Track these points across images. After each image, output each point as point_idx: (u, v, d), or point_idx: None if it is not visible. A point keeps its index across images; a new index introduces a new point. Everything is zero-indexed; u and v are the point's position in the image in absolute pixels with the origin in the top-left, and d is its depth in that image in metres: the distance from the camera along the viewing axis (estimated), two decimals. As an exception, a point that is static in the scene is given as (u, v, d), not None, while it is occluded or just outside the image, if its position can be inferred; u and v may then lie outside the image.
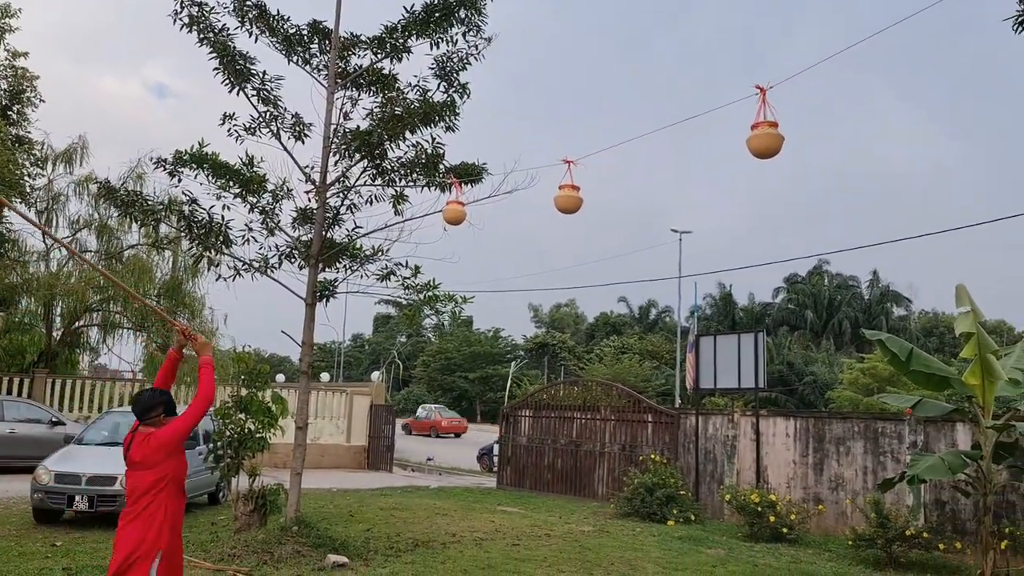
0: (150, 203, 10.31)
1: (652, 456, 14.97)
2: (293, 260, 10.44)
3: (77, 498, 10.34)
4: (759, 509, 12.04)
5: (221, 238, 10.16)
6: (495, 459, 21.67)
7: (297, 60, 10.57)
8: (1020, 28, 6.07)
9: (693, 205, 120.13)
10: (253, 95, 10.32)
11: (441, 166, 10.59)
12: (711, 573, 9.33)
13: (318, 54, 10.60)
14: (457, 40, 10.23)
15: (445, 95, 10.36)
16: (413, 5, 10.04)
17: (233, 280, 10.36)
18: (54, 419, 16.96)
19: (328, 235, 10.43)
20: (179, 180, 10.02)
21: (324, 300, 10.43)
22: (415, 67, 24.14)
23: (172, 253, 22.39)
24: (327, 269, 10.50)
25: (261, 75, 10.25)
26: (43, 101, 22.27)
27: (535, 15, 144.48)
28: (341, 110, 10.50)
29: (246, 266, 10.30)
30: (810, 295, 72.87)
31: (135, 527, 4.35)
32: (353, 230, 10.60)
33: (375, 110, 10.45)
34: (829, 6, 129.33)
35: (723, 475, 14.51)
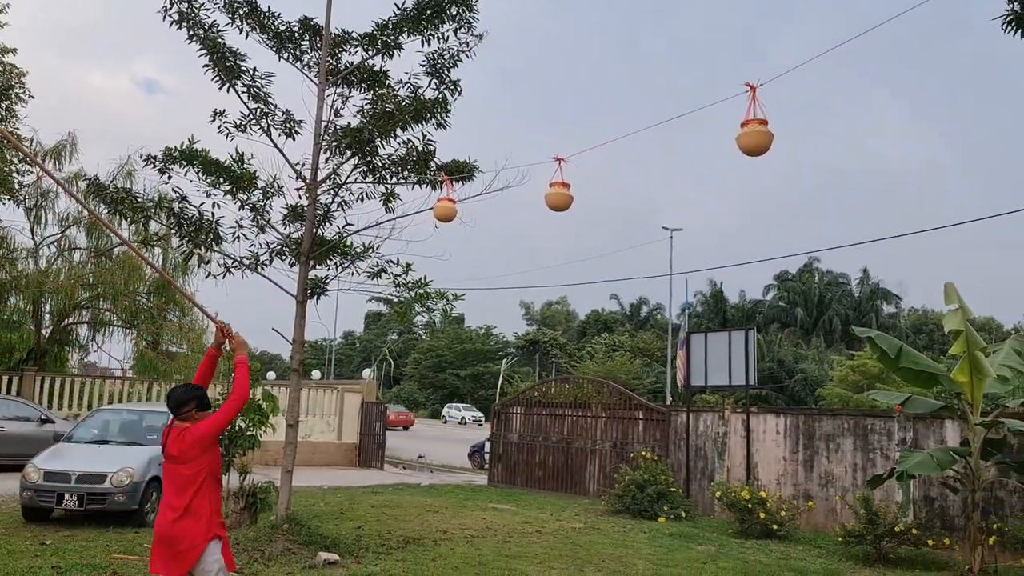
0: (139, 200, 10.26)
1: (643, 453, 15.01)
2: (284, 257, 10.42)
3: (66, 496, 10.28)
4: (749, 506, 12.09)
5: (211, 235, 10.13)
6: (486, 456, 21.68)
7: (288, 57, 10.53)
8: (1009, 27, 6.10)
9: (685, 202, 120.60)
10: (243, 92, 10.28)
11: (432, 163, 10.59)
12: (701, 570, 9.36)
13: (309, 51, 10.56)
14: (448, 37, 10.23)
15: (436, 92, 10.35)
16: (404, 2, 10.02)
17: (223, 277, 10.33)
18: (43, 417, 16.86)
19: (319, 232, 10.40)
20: (169, 177, 9.99)
21: (315, 297, 10.41)
22: (406, 64, 24.12)
23: (162, 250, 22.28)
24: (318, 266, 10.47)
25: (251, 72, 10.21)
26: (32, 97, 22.12)
27: (531, 13, 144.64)
28: (332, 107, 10.48)
29: (236, 263, 10.27)
30: (801, 293, 73.12)
31: (188, 524, 4.60)
32: (344, 227, 10.58)
33: (366, 107, 10.43)
34: (829, 5, 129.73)
35: (714, 472, 14.56)
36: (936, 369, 9.87)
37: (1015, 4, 6.00)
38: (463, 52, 10.28)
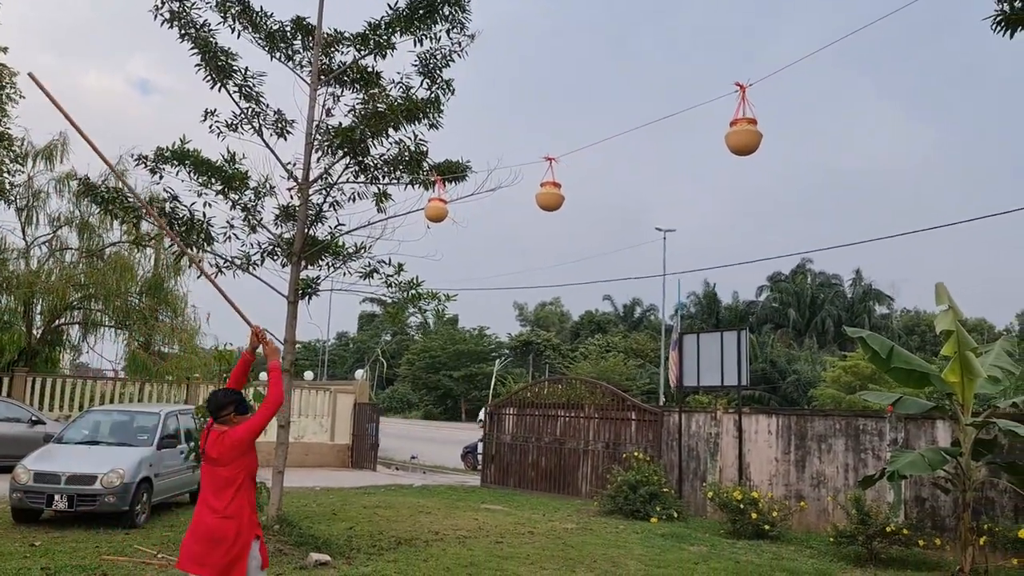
0: (131, 200, 10.23)
1: (636, 454, 15.02)
2: (275, 257, 10.40)
3: (56, 497, 10.22)
4: (741, 506, 12.11)
5: (203, 235, 10.10)
6: (479, 457, 21.65)
7: (280, 56, 10.52)
8: (998, 27, 6.11)
9: (678, 202, 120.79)
10: (235, 91, 10.27)
11: (424, 164, 10.58)
12: (693, 570, 9.36)
13: (301, 50, 10.55)
14: (441, 37, 10.24)
15: (429, 92, 10.35)
16: (397, 2, 10.02)
17: (215, 277, 10.28)
18: (34, 418, 16.79)
19: (310, 232, 10.39)
20: (160, 177, 9.97)
21: (307, 298, 10.40)
22: (399, 64, 24.08)
23: (154, 251, 22.20)
24: (310, 267, 10.46)
25: (243, 71, 10.20)
26: (23, 97, 22.01)
27: (526, 13, 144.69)
28: (324, 107, 10.47)
29: (228, 263, 10.25)
30: (793, 294, 73.34)
31: (231, 526, 4.73)
32: (336, 227, 10.57)
33: (358, 107, 10.42)
34: (829, 5, 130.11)
35: (706, 472, 14.57)
36: (927, 369, 9.89)
37: (1004, 4, 6.00)
38: (455, 52, 10.29)
